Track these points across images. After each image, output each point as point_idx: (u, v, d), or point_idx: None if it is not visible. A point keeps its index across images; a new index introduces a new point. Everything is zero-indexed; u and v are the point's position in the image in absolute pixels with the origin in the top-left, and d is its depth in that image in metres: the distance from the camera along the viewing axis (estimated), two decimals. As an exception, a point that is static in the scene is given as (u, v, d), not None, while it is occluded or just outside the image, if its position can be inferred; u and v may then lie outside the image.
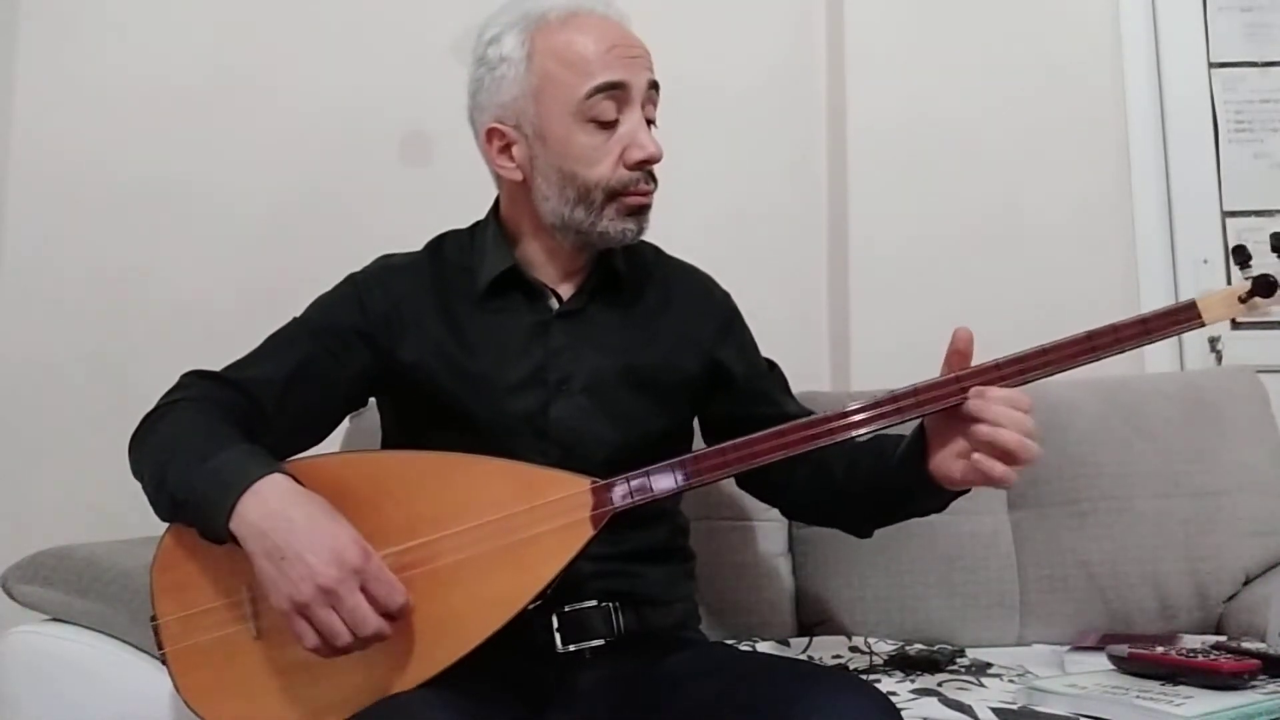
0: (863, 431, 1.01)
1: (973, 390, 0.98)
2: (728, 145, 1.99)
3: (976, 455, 0.97)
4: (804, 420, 1.02)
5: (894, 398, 1.00)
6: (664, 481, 1.01)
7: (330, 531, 0.93)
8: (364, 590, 0.92)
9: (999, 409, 0.96)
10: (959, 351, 1.01)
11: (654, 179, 1.13)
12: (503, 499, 1.00)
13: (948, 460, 1.02)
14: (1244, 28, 1.97)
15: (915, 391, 1.00)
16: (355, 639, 0.92)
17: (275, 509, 0.94)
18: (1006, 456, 0.96)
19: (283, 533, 0.92)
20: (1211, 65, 1.96)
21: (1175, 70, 1.96)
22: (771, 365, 1.29)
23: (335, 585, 0.91)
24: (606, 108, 1.09)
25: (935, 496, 1.07)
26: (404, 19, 1.97)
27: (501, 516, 0.99)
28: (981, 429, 0.96)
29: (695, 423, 1.26)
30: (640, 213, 1.13)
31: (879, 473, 1.11)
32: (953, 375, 1.00)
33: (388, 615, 0.94)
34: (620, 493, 1.01)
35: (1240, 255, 1.02)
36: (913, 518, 1.16)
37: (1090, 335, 1.01)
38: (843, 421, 1.01)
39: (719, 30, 2.02)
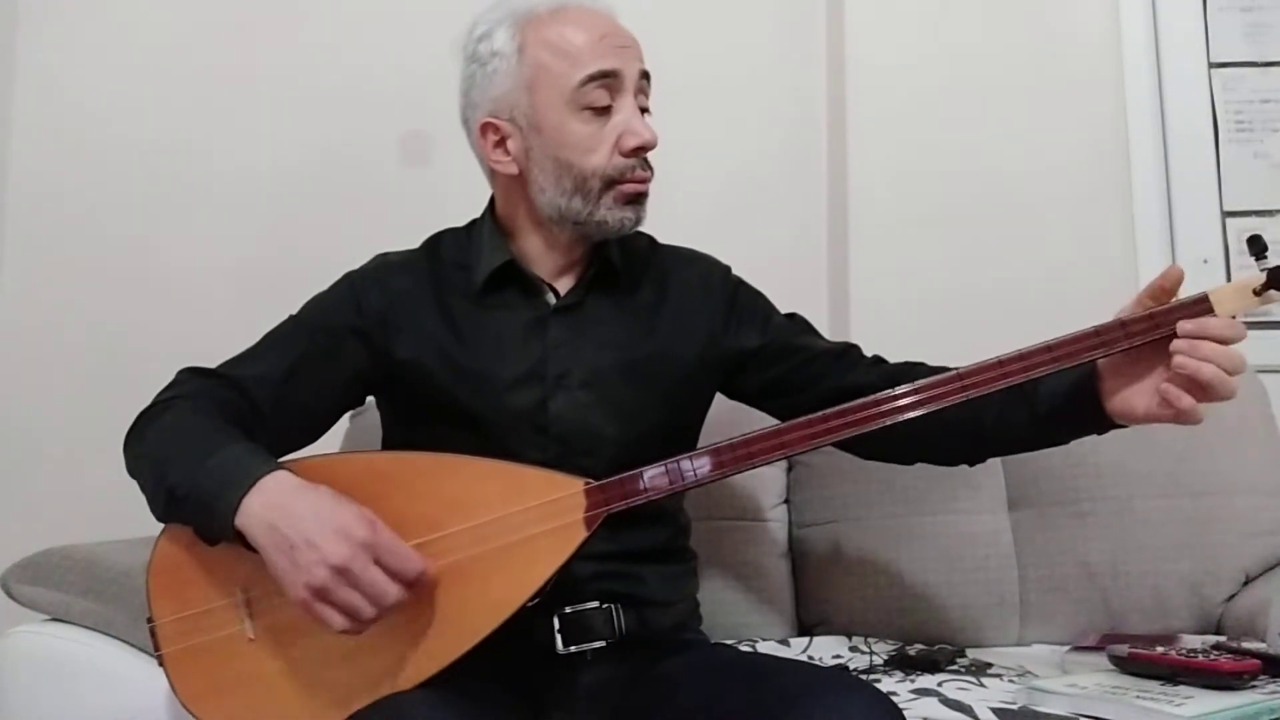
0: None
1: (1186, 326, 0.96)
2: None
3: (1165, 386, 0.96)
4: (800, 420, 1.00)
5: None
6: (658, 482, 1.00)
7: (335, 512, 0.93)
8: (378, 563, 0.92)
9: (1208, 347, 0.95)
10: (1164, 288, 1.00)
11: (650, 167, 1.13)
12: (497, 500, 1.00)
13: (1132, 397, 1.00)
14: (1244, 28, 1.97)
15: (917, 389, 1.00)
16: (380, 611, 0.92)
17: (280, 503, 0.94)
18: (1200, 391, 0.95)
19: (290, 523, 0.92)
20: (1211, 65, 1.96)
21: (1175, 70, 1.95)
22: (791, 316, 1.26)
23: (347, 562, 0.91)
24: (600, 95, 1.09)
25: (1094, 430, 1.06)
26: (404, 19, 1.97)
27: (496, 518, 0.99)
28: (1182, 361, 0.95)
29: (706, 413, 1.24)
30: (638, 201, 1.13)
31: (1022, 417, 1.08)
32: (955, 374, 1.00)
33: (407, 585, 0.93)
34: (615, 494, 1.00)
35: (1255, 246, 0.98)
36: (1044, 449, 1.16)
37: (1098, 330, 0.99)
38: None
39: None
